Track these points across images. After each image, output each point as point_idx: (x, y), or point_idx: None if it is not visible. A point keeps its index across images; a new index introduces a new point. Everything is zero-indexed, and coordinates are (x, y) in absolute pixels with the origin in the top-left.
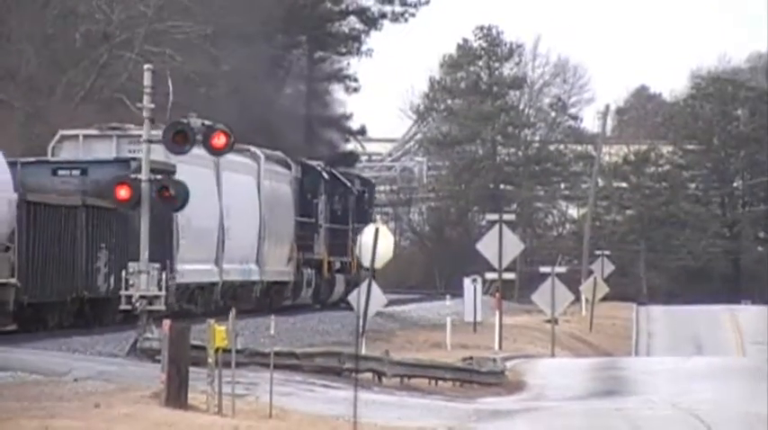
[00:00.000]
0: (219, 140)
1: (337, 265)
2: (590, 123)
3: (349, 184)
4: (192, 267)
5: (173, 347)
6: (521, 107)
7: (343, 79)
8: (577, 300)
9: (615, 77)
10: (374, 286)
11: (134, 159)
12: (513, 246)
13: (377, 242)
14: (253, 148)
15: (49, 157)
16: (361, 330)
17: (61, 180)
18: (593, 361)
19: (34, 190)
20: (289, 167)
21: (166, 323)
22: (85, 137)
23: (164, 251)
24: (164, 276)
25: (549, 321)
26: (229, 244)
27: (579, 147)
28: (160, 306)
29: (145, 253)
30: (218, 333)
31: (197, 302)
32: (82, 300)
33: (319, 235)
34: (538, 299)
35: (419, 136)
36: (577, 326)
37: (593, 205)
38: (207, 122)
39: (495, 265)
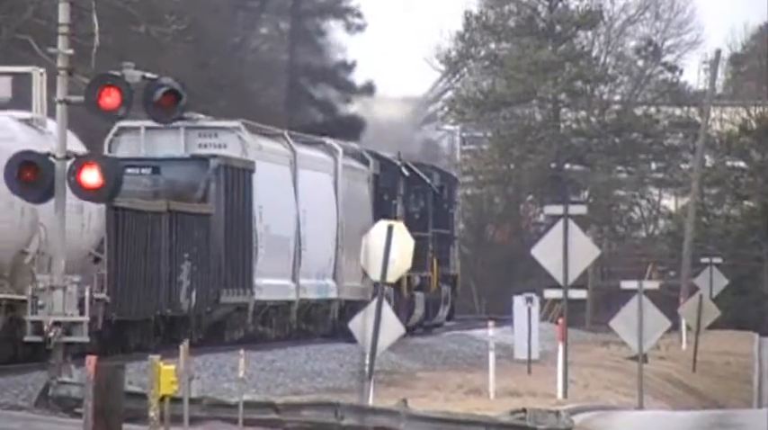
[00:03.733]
0: (167, 101)
1: (417, 281)
2: (693, 77)
3: (428, 180)
4: (270, 282)
5: (100, 395)
6: (594, 54)
7: (341, 14)
8: (675, 328)
9: (728, 12)
10: (386, 308)
11: (214, 157)
12: (585, 251)
13: (390, 245)
14: (328, 140)
15: (108, 152)
16: (368, 371)
17: (130, 179)
18: (698, 415)
19: None
20: (366, 162)
21: (91, 361)
22: (148, 129)
23: (243, 261)
24: (87, 294)
25: (634, 358)
26: (306, 255)
27: (678, 111)
28: (82, 337)
29: (60, 261)
30: (165, 374)
31: (272, 324)
32: (164, 319)
33: None
34: (619, 326)
35: (449, 95)
36: (675, 364)
37: (697, 193)
38: (149, 75)
39: (558, 279)
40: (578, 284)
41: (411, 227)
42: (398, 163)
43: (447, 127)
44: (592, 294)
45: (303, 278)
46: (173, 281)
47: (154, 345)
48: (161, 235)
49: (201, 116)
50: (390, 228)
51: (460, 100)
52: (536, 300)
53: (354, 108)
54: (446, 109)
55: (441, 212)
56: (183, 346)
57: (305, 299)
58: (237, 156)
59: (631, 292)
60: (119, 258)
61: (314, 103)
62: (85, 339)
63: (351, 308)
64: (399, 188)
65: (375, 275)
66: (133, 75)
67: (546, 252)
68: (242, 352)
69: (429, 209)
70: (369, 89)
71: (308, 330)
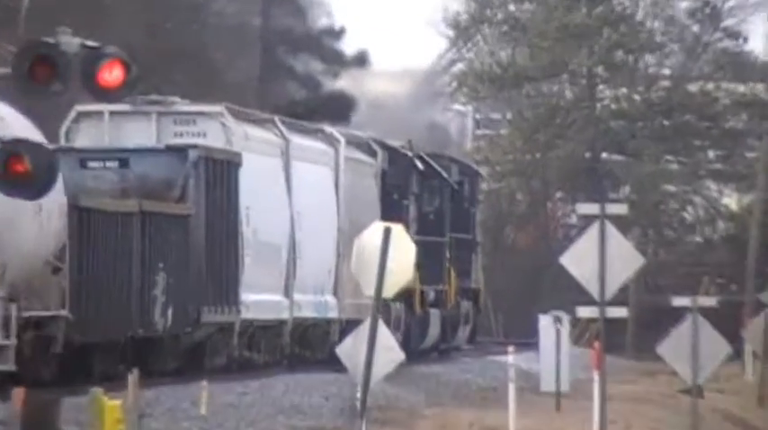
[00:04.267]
0: (112, 75)
1: (431, 296)
2: (760, 45)
3: (445, 175)
4: (258, 298)
5: None
6: (638, 17)
7: None
8: (737, 354)
9: None
10: (383, 329)
11: (193, 147)
12: (626, 259)
13: (387, 251)
14: (327, 128)
15: (65, 142)
16: (359, 407)
17: (93, 175)
18: None
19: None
20: (373, 154)
21: (18, 394)
22: (113, 114)
23: (228, 272)
24: (13, 312)
25: (687, 391)
26: (302, 266)
27: (741, 88)
28: (7, 365)
29: None
30: (110, 411)
31: (261, 348)
32: (136, 341)
33: None
34: (668, 353)
35: (459, 67)
36: (737, 399)
37: (764, 189)
38: (90, 43)
39: (593, 294)
40: (618, 300)
41: (425, 230)
42: (410, 154)
43: (456, 107)
44: (634, 313)
45: (298, 293)
46: (145, 295)
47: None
48: (132, 240)
49: (177, 99)
50: (388, 231)
51: (473, 74)
52: (566, 319)
53: (343, 84)
54: (455, 85)
55: (460, 213)
56: (132, 377)
57: (300, 318)
58: (220, 147)
59: (683, 311)
60: (83, 268)
61: (293, 78)
62: (11, 368)
63: (354, 329)
64: (412, 184)
65: (368, 289)
66: (70, 42)
67: (578, 260)
68: (204, 383)
69: (446, 209)
70: (361, 60)
71: (303, 355)
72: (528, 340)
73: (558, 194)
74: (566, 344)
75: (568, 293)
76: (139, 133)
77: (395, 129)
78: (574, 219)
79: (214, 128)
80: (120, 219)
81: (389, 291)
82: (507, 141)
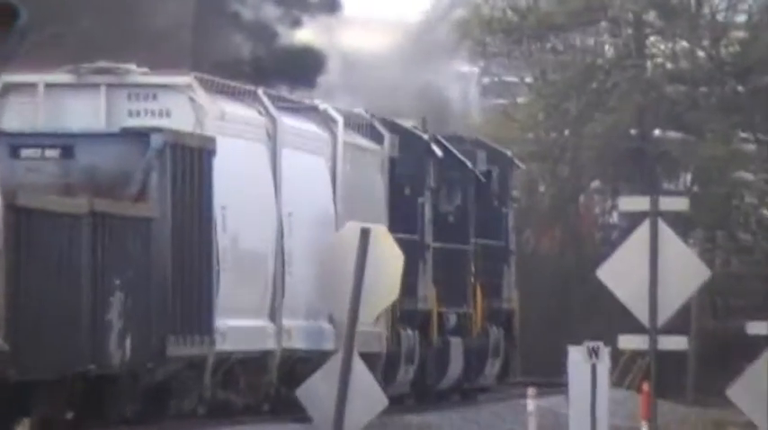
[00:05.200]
0: None
1: (451, 321)
2: None
3: (469, 164)
4: (238, 323)
5: None
6: None
7: None
8: None
9: None
10: (359, 365)
11: (156, 131)
12: (685, 272)
13: (364, 262)
14: (322, 103)
15: None
16: None
17: (28, 166)
18: None
19: None
20: (379, 138)
21: None
22: (50, 88)
23: (199, 292)
24: None
25: None
26: (292, 283)
27: None
28: None
29: None
30: None
31: (240, 388)
32: (86, 379)
33: (425, 264)
34: (741, 397)
35: (461, 14)
36: None
37: None
38: None
39: (642, 318)
40: (675, 327)
41: (444, 236)
42: (425, 137)
43: (458, 67)
44: (697, 344)
45: (288, 318)
46: (98, 321)
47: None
48: (81, 250)
49: (133, 67)
50: (366, 235)
51: (480, 22)
52: (605, 352)
53: (308, 36)
54: (456, 38)
55: (489, 213)
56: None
57: (289, 349)
58: (190, 130)
59: (762, 341)
60: (20, 285)
61: (240, 28)
62: None
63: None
64: (428, 177)
65: (340, 311)
66: None
67: (621, 274)
68: None
69: (471, 208)
70: (330, 5)
71: (292, 397)
72: (554, 380)
73: (594, 184)
74: (604, 384)
75: (608, 318)
76: (84, 112)
77: (375, 98)
78: (615, 218)
79: (181, 104)
80: (66, 222)
81: (369, 313)
82: (526, 113)
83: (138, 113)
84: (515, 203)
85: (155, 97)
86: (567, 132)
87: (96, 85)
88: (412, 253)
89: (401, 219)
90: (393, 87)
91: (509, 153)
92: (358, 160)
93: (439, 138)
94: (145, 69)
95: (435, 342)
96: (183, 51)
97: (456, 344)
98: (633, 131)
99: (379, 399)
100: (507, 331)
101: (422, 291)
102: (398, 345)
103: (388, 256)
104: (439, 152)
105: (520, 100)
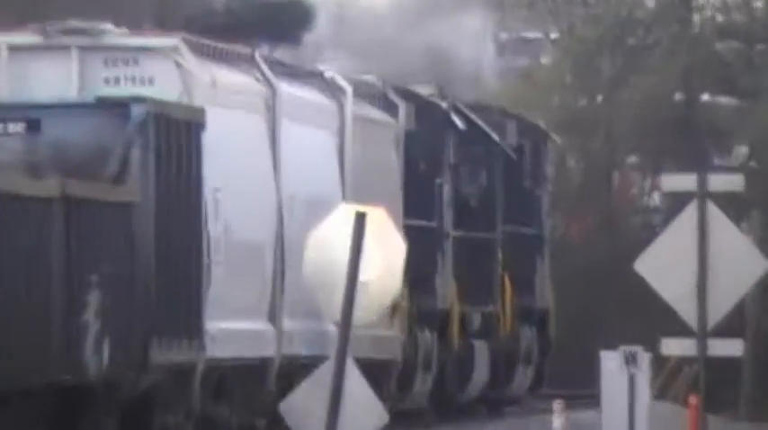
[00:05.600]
0: None
1: (475, 322)
2: None
3: (496, 138)
4: (231, 326)
5: None
6: None
7: None
8: None
9: None
10: (353, 373)
11: (138, 101)
12: (741, 263)
13: (359, 252)
14: (328, 70)
15: None
16: None
17: None
18: None
19: None
20: (392, 109)
21: None
22: (14, 51)
23: (187, 289)
24: None
25: None
26: (293, 279)
27: None
28: None
29: None
30: None
31: (233, 400)
32: (59, 391)
33: (444, 255)
34: None
35: None
36: None
37: None
38: None
39: (688, 319)
40: (728, 330)
41: (467, 222)
42: (444, 106)
43: (469, 21)
44: (754, 349)
45: (288, 319)
46: (72, 323)
47: None
48: (51, 240)
49: (108, 26)
50: (361, 219)
51: None
52: (645, 358)
53: None
54: None
55: (519, 195)
56: None
57: (290, 356)
58: (175, 100)
59: None
60: None
61: None
62: None
63: (369, 372)
64: (448, 153)
65: (330, 310)
66: None
67: (663, 266)
68: None
69: (499, 189)
70: None
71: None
72: (585, 391)
73: (632, 160)
74: (644, 396)
75: (648, 318)
76: (53, 79)
77: (372, 58)
78: (656, 200)
79: (166, 70)
80: (34, 208)
81: (366, 313)
82: (550, 76)
83: (117, 81)
84: (550, 184)
85: (135, 62)
86: (599, 98)
87: (67, 48)
88: (429, 242)
89: (416, 202)
90: (393, 46)
91: (542, 124)
92: (369, 135)
93: (460, 107)
94: (123, 30)
95: (457, 346)
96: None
97: (481, 348)
98: (678, 97)
99: (378, 415)
100: (540, 333)
101: (440, 287)
102: (415, 351)
103: (388, 244)
104: (460, 124)
105: (543, 60)
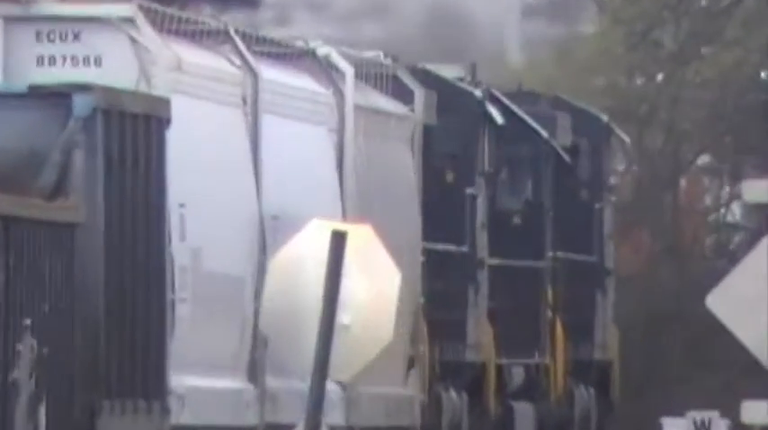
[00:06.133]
0: None
1: (517, 378)
2: None
3: (545, 134)
4: (201, 383)
5: None
6: None
7: None
8: None
9: None
10: None
11: (83, 89)
12: None
13: (338, 282)
14: (321, 45)
15: None
16: None
17: None
18: None
19: None
20: (406, 95)
21: None
22: None
23: (146, 335)
24: None
25: None
26: None
27: None
28: None
29: None
30: None
31: None
32: None
33: (477, 291)
34: None
35: None
36: None
37: None
38: None
39: None
40: None
41: (507, 247)
42: (478, 93)
43: None
44: None
45: (274, 375)
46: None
47: None
48: None
49: None
50: (339, 241)
51: None
52: (720, 425)
53: None
54: None
55: (574, 210)
56: None
57: (276, 424)
58: (130, 88)
59: None
60: None
61: None
62: None
63: None
64: (482, 155)
65: (297, 364)
66: None
67: (744, 302)
68: None
69: (547, 203)
70: None
71: None
72: None
73: (703, 161)
74: None
75: (726, 372)
76: None
77: (355, 22)
78: (736, 214)
79: (118, 48)
80: None
81: (346, 367)
82: (595, 49)
83: (53, 61)
84: (614, 196)
85: (77, 36)
86: (659, 78)
87: None
88: (457, 273)
89: (440, 220)
90: (385, 5)
91: (605, 117)
92: (376, 131)
93: (497, 94)
94: None
95: (493, 409)
96: None
97: (524, 412)
98: (765, 75)
99: None
100: (600, 393)
101: (472, 332)
102: (438, 415)
103: (377, 274)
104: (499, 117)
105: (585, 28)
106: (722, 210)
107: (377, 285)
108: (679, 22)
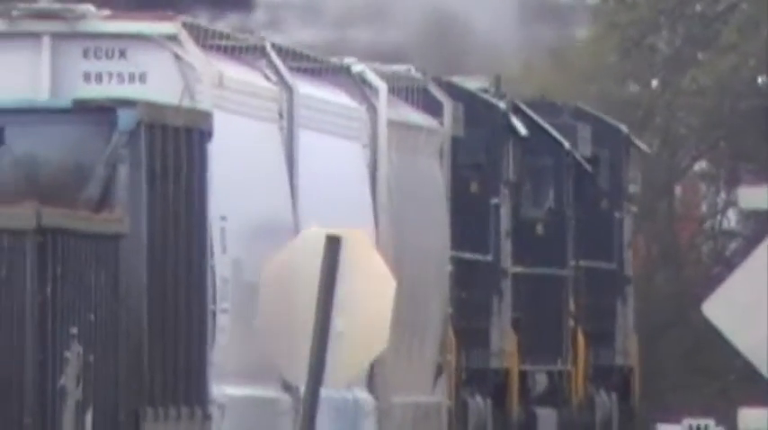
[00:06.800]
0: None
1: (540, 385)
2: None
3: (567, 145)
4: (241, 392)
5: None
6: None
7: None
8: None
9: None
10: None
11: (128, 104)
12: None
13: (332, 288)
14: (355, 63)
15: None
16: None
17: None
18: None
19: None
20: (436, 109)
21: None
22: None
23: (188, 345)
24: None
25: None
26: None
27: None
28: None
29: None
30: None
31: None
32: None
33: (501, 299)
34: None
35: None
36: None
37: None
38: None
39: None
40: None
41: (530, 255)
42: (502, 105)
43: None
44: None
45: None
46: (47, 387)
47: None
48: (23, 283)
49: (90, 8)
50: (334, 246)
51: None
52: None
53: None
54: None
55: (595, 220)
56: None
57: None
58: (175, 102)
59: None
60: None
61: None
62: None
63: None
64: (506, 166)
65: (291, 371)
66: None
67: (740, 309)
68: None
69: (569, 212)
70: None
71: None
72: None
73: (700, 167)
74: None
75: (722, 379)
76: (19, 76)
77: (350, 27)
78: (732, 220)
79: (162, 65)
80: (6, 242)
81: (342, 373)
82: (589, 53)
83: (99, 78)
84: (634, 206)
85: (123, 54)
86: (654, 84)
87: (37, 35)
88: (482, 282)
89: (466, 229)
90: (376, 9)
91: (624, 128)
92: (408, 145)
93: (521, 105)
94: (106, 12)
95: (516, 415)
96: None
97: (547, 418)
98: (762, 81)
99: None
100: (623, 398)
101: (496, 339)
102: (464, 421)
103: (371, 278)
104: (522, 129)
105: (579, 32)
106: (718, 217)
107: (371, 292)
108: (675, 27)
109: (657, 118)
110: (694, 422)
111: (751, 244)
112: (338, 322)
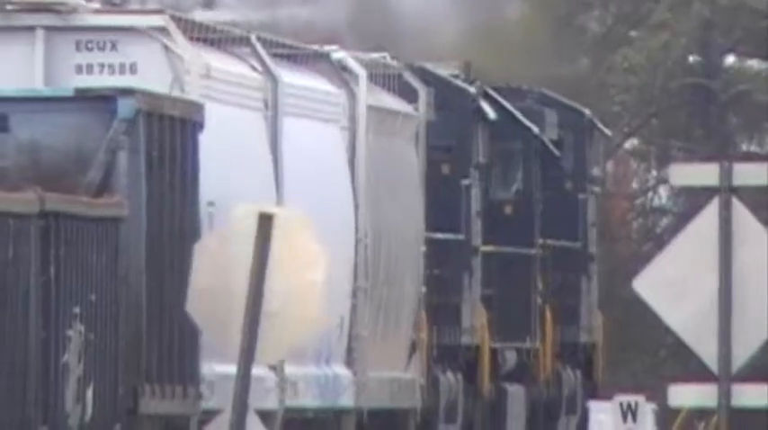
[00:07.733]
0: None
1: (510, 361)
2: None
3: (535, 130)
4: (228, 370)
5: None
6: None
7: None
8: None
9: None
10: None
11: (126, 93)
12: None
13: (264, 264)
14: (335, 50)
15: None
16: None
17: None
18: None
19: None
20: (411, 95)
21: None
22: None
23: (183, 324)
24: None
25: None
26: None
27: None
28: None
29: None
30: None
31: None
32: None
33: (471, 277)
34: None
35: None
36: None
37: None
38: None
39: (706, 358)
40: (759, 371)
41: (499, 235)
42: (472, 90)
43: None
44: None
45: (293, 363)
46: (51, 364)
47: None
48: (28, 265)
49: (80, 1)
50: (266, 223)
51: None
52: (647, 409)
53: None
54: None
55: (560, 200)
56: None
57: (295, 409)
58: (165, 92)
59: None
60: None
61: None
62: None
63: (383, 426)
64: (476, 149)
65: (226, 347)
66: None
67: (672, 286)
68: None
69: (536, 193)
70: None
71: None
72: None
73: (630, 144)
74: None
75: (652, 356)
76: (17, 67)
77: (274, 6)
78: (663, 198)
79: (152, 55)
80: (8, 227)
81: (273, 349)
82: (521, 32)
83: (90, 69)
84: (597, 187)
85: (114, 46)
86: (585, 62)
87: (31, 28)
88: (453, 260)
89: (438, 210)
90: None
91: (587, 112)
92: (385, 129)
93: (489, 91)
94: (96, 5)
95: (487, 391)
96: None
97: (516, 394)
98: (693, 59)
99: None
100: (586, 375)
101: (467, 317)
102: (436, 397)
103: (302, 256)
104: (491, 113)
105: (511, 11)
106: (649, 194)
107: (300, 270)
108: (606, 5)
109: (589, 96)
110: (625, 399)
111: (681, 221)
112: (270, 300)
